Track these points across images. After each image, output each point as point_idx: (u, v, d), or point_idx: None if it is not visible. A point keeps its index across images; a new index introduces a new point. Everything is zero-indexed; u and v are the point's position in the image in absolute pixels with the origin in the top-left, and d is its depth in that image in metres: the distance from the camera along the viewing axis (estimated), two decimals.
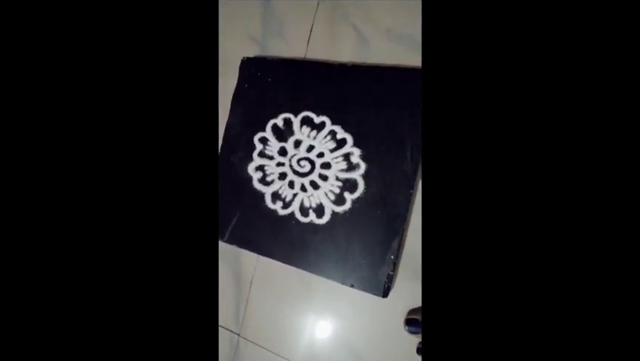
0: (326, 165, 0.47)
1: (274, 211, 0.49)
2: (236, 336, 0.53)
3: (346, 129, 0.47)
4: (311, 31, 0.53)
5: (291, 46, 0.54)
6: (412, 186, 0.42)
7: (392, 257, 0.42)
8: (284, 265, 0.48)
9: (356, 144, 0.46)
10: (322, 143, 0.48)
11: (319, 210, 0.47)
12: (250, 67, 0.54)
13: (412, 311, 0.42)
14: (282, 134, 0.50)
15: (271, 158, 0.51)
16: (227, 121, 0.54)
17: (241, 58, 0.54)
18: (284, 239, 0.48)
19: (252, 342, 0.52)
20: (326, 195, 0.47)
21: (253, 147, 0.52)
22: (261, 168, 0.51)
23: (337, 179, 0.46)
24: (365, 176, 0.45)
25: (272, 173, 0.50)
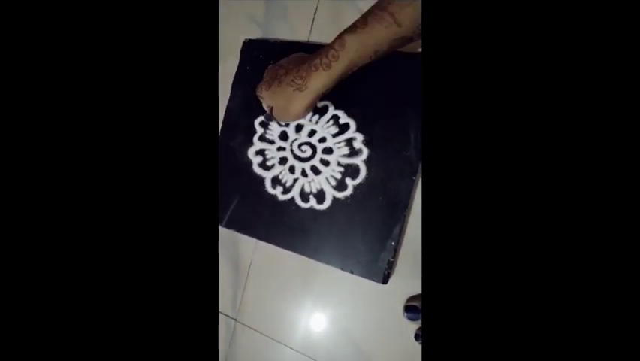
0: (328, 150, 0.47)
1: (274, 196, 0.49)
2: (233, 321, 0.53)
3: (349, 114, 0.46)
4: (315, 13, 0.52)
5: (295, 28, 0.53)
6: (414, 173, 0.42)
7: (393, 244, 0.41)
8: (283, 250, 0.48)
9: (359, 129, 0.45)
10: (324, 127, 0.47)
11: (320, 196, 0.46)
12: (252, 49, 0.53)
13: (412, 298, 0.42)
14: None
15: (272, 142, 0.50)
16: (228, 104, 0.53)
17: (243, 40, 0.53)
18: (283, 224, 0.47)
19: (249, 327, 0.52)
20: (327, 180, 0.46)
21: (254, 131, 0.51)
22: (261, 152, 0.50)
23: (339, 164, 0.46)
24: (367, 162, 0.44)
25: (272, 157, 0.50)
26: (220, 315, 0.54)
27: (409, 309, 0.41)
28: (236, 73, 0.53)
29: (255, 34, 0.55)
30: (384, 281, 0.42)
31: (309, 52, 0.49)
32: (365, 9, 0.48)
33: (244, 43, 0.53)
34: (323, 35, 0.51)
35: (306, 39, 0.52)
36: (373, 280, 0.42)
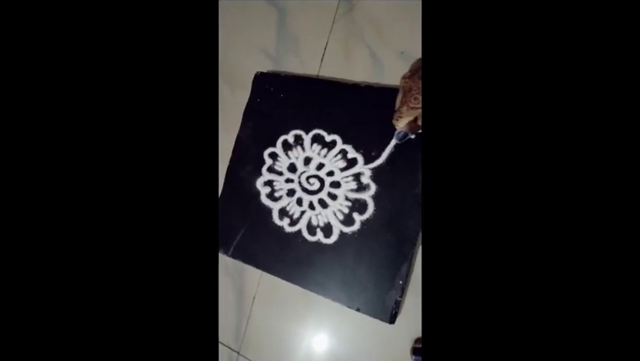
0: (335, 184, 0.47)
1: (281, 228, 0.48)
2: (236, 354, 0.52)
3: (357, 149, 0.46)
4: (325, 49, 0.53)
5: (305, 63, 0.54)
6: None
7: (400, 282, 0.41)
8: (288, 283, 0.47)
9: (367, 165, 0.45)
10: (332, 161, 0.47)
11: (327, 230, 0.46)
12: (263, 82, 0.54)
13: (419, 340, 0.41)
14: (292, 150, 0.50)
15: (280, 173, 0.50)
16: (238, 135, 0.54)
17: (254, 72, 0.55)
18: (289, 257, 0.47)
19: None
20: (334, 214, 0.46)
21: (262, 162, 0.51)
22: (269, 183, 0.51)
23: (347, 199, 0.46)
24: (375, 197, 0.44)
25: (280, 189, 0.50)
26: (223, 347, 0.53)
27: (416, 351, 0.40)
28: (247, 104, 0.54)
29: (267, 66, 0.57)
30: (392, 321, 0.41)
31: (318, 87, 0.50)
32: (375, 47, 0.50)
33: (255, 75, 0.55)
34: (332, 70, 0.52)
35: (316, 74, 0.53)
36: (380, 320, 0.41)
